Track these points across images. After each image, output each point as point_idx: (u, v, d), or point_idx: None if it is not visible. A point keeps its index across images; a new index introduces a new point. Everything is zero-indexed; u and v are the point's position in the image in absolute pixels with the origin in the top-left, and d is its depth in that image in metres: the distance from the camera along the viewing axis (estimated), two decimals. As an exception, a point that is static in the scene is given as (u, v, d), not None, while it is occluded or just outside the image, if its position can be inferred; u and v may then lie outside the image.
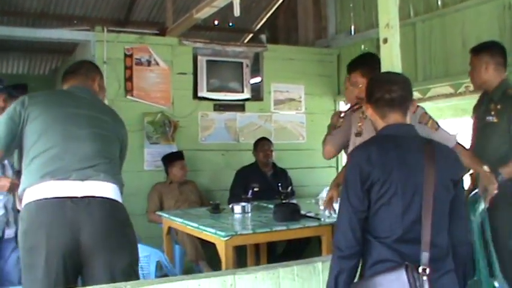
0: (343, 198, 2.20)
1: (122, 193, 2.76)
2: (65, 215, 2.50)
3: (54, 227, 2.50)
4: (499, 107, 3.62)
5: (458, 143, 3.41)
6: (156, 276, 3.81)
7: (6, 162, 3.59)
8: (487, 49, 3.76)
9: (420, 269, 2.03)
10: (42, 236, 2.50)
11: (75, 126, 2.71)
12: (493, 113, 3.65)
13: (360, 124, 3.63)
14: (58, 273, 2.50)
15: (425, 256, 2.06)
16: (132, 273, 2.63)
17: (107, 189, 2.62)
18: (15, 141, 2.71)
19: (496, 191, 3.37)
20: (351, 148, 3.77)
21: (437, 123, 3.31)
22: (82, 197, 2.54)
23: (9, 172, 3.62)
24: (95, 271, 2.56)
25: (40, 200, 2.54)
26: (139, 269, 3.78)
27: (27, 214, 2.57)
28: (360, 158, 2.18)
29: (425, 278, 2.02)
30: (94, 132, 2.74)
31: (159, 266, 4.03)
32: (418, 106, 3.30)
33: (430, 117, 3.26)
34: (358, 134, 3.67)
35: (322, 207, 3.81)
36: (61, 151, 2.62)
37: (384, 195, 2.12)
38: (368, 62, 3.45)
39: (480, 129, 3.80)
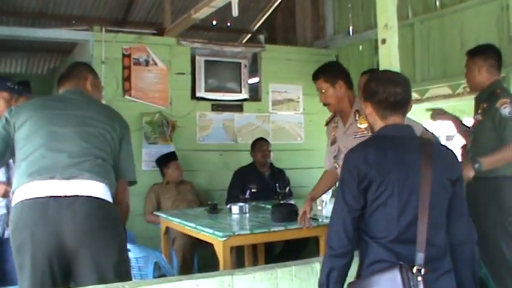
0: (338, 197, 2.19)
1: (112, 193, 2.71)
2: (47, 214, 2.49)
3: (38, 227, 2.49)
4: (485, 105, 3.71)
5: (426, 130, 3.47)
6: (154, 277, 3.80)
7: (11, 161, 3.60)
8: (481, 52, 3.85)
9: (415, 269, 2.03)
10: (27, 236, 2.50)
11: (61, 126, 2.71)
12: (480, 111, 3.76)
13: (333, 133, 3.78)
14: (44, 273, 2.50)
15: (420, 256, 2.06)
16: (122, 273, 2.60)
17: (92, 188, 2.59)
18: (9, 149, 2.76)
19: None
20: (329, 157, 3.84)
21: None
22: (65, 196, 2.52)
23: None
24: (81, 271, 2.54)
25: (25, 200, 2.54)
26: (137, 269, 3.77)
27: (14, 214, 2.58)
28: (357, 158, 2.17)
29: (420, 278, 2.02)
30: (82, 130, 2.72)
31: (157, 267, 4.02)
32: None
33: None
34: (333, 143, 3.79)
35: (301, 224, 3.83)
36: (46, 151, 2.62)
37: (380, 196, 2.12)
38: (330, 68, 3.71)
39: (473, 128, 3.90)
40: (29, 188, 2.55)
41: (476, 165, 3.43)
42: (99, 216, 2.58)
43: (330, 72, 3.66)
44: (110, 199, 2.66)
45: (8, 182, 3.45)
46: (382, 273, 2.06)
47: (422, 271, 2.03)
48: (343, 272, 2.17)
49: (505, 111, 3.52)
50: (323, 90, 3.65)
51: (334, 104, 3.67)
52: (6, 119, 2.78)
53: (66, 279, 2.58)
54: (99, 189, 2.61)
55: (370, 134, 3.42)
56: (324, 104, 3.73)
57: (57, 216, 2.49)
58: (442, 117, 4.30)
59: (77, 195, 2.54)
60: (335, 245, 2.15)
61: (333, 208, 2.22)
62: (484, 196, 3.64)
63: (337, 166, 3.79)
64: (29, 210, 2.53)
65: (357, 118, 3.60)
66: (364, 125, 3.53)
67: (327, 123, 3.94)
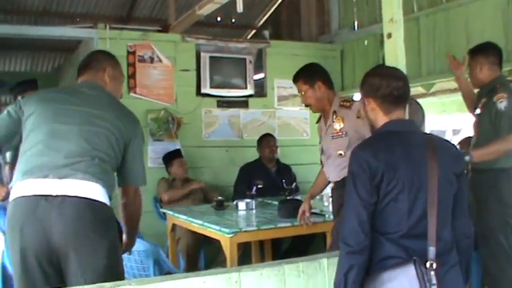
0: (350, 192, 2.15)
1: (110, 194, 2.64)
2: (36, 213, 2.45)
3: (27, 225, 2.46)
4: (484, 100, 3.78)
5: None
6: (156, 273, 3.79)
7: (1, 160, 3.57)
8: (482, 51, 3.92)
9: (428, 264, 2.03)
10: (17, 234, 2.47)
11: (65, 123, 2.64)
12: (480, 105, 3.82)
13: (320, 132, 3.90)
14: (35, 273, 2.46)
15: (432, 251, 2.05)
16: (112, 277, 2.49)
17: (84, 188, 2.52)
18: (18, 134, 2.69)
19: None
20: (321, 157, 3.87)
21: None
22: (56, 196, 2.47)
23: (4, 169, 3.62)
24: (68, 273, 2.49)
25: (17, 198, 2.51)
26: (141, 262, 3.76)
27: (8, 212, 2.56)
28: (367, 154, 2.15)
29: (432, 272, 2.02)
30: (84, 130, 2.64)
31: (157, 262, 4.00)
32: (353, 101, 3.60)
33: None
34: (320, 141, 3.83)
35: (300, 222, 3.85)
36: (44, 149, 2.57)
37: (391, 192, 2.10)
38: (308, 70, 3.77)
39: (474, 123, 3.98)
40: (22, 186, 2.52)
41: (467, 158, 3.46)
42: (88, 218, 2.51)
43: (308, 74, 3.73)
44: (104, 200, 2.59)
45: (1, 182, 3.42)
46: (394, 269, 2.05)
47: (434, 265, 2.03)
48: (362, 270, 2.10)
49: (501, 105, 3.60)
50: (302, 92, 3.73)
51: (315, 104, 3.74)
52: (20, 105, 2.72)
53: (63, 280, 2.52)
54: (92, 190, 2.55)
55: (344, 135, 3.52)
56: (306, 105, 3.79)
57: (45, 216, 2.45)
58: (459, 67, 4.31)
59: (67, 195, 2.48)
60: (351, 241, 2.09)
61: (345, 204, 2.19)
62: (483, 188, 3.71)
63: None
64: (20, 208, 2.50)
65: (334, 119, 3.64)
66: (340, 126, 3.60)
67: (318, 121, 3.97)
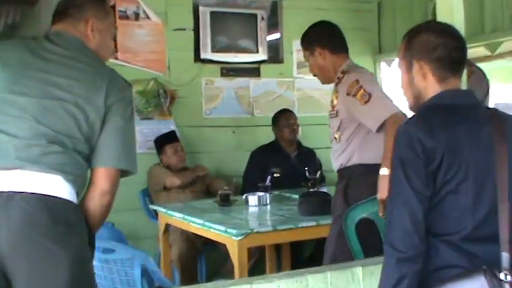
0: (398, 182, 2.11)
1: (77, 189, 2.53)
2: None
3: None
4: None
5: (392, 118, 3.33)
6: (145, 287, 3.80)
7: None
8: None
9: (502, 275, 1.99)
10: None
11: (18, 93, 2.52)
12: None
13: None
14: None
15: (506, 257, 2.02)
16: None
17: (40, 182, 2.42)
18: None
19: None
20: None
21: (369, 95, 3.38)
22: (1, 192, 2.38)
23: None
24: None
25: None
26: (124, 274, 3.77)
27: None
28: (420, 131, 2.11)
29: (507, 286, 1.97)
30: (41, 104, 2.51)
31: (145, 274, 4.01)
32: (345, 73, 3.61)
33: (361, 87, 3.45)
34: None
35: None
36: None
37: (450, 181, 2.07)
38: (307, 34, 3.90)
39: None
40: None
41: None
42: (44, 221, 2.40)
43: (306, 38, 3.85)
44: (67, 196, 2.49)
45: None
46: (455, 281, 2.02)
47: (509, 277, 1.98)
48: (415, 282, 2.07)
49: None
50: (305, 60, 3.89)
51: (319, 74, 3.85)
52: None
53: None
54: (50, 184, 2.45)
55: (335, 115, 3.55)
56: (314, 75, 3.91)
57: None
58: None
59: (15, 192, 2.38)
60: (403, 246, 2.06)
61: (392, 198, 2.15)
62: None
63: None
64: None
65: (334, 93, 3.73)
66: (334, 103, 3.64)
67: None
